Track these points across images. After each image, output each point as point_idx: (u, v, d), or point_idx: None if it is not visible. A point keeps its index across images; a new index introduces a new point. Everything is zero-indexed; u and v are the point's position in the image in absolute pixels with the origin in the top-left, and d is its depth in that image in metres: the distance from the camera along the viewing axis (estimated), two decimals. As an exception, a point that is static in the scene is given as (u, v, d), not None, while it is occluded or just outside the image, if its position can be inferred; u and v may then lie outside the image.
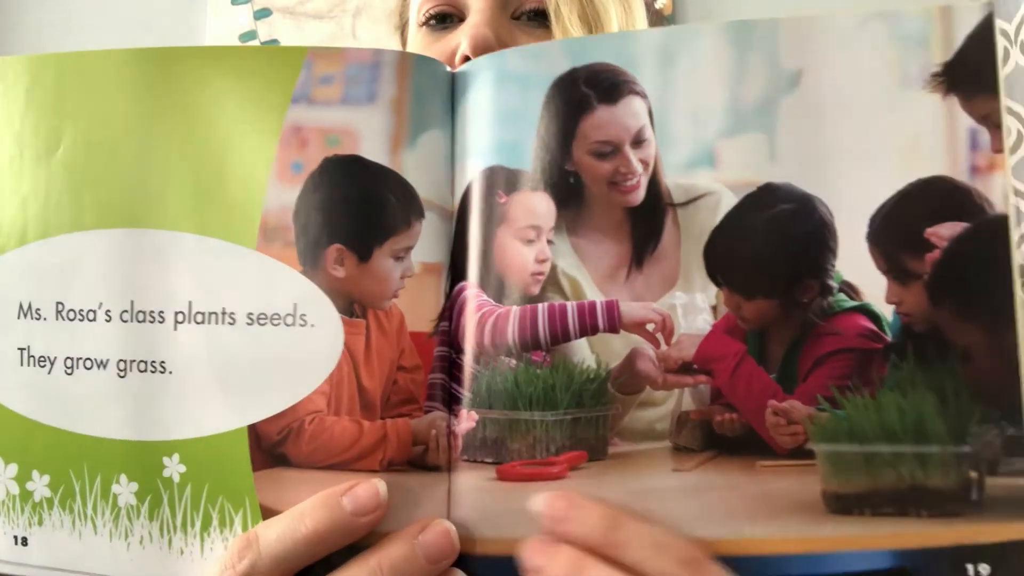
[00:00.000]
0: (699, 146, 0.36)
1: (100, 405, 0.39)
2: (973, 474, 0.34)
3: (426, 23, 0.64)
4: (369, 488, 0.35)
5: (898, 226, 0.34)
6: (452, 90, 0.39)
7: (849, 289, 0.35)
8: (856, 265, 0.35)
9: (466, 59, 0.58)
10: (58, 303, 0.39)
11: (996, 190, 0.34)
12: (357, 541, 0.36)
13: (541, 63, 0.37)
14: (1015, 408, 0.33)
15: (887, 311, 0.35)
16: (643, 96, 0.37)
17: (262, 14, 1.85)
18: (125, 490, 0.38)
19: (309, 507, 0.35)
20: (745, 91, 0.36)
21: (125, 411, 0.38)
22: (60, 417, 0.39)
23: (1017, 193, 1.52)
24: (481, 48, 0.57)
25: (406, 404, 0.37)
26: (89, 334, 0.39)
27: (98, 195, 0.39)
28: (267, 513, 0.37)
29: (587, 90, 0.37)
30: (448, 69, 0.39)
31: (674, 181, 0.37)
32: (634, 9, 0.68)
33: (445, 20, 0.63)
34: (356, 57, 0.38)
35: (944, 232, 0.34)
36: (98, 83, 0.39)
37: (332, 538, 0.35)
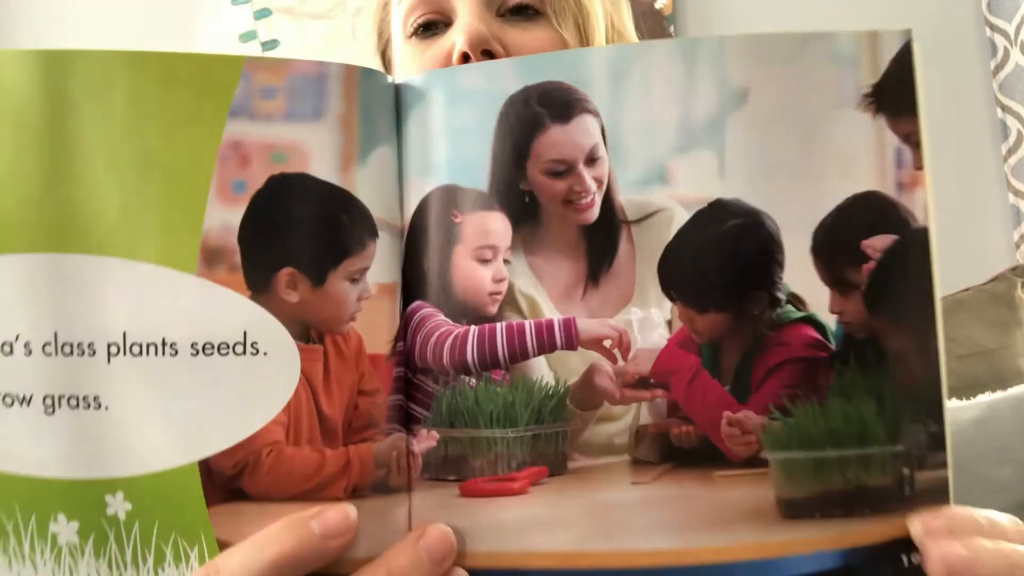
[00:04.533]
0: (651, 163, 0.36)
1: (26, 443, 0.35)
2: (906, 470, 0.36)
3: (415, 33, 0.62)
4: (339, 511, 0.34)
5: (837, 239, 0.35)
6: (396, 104, 0.37)
7: (796, 300, 0.36)
8: (802, 277, 0.36)
9: (464, 57, 0.57)
10: None
11: (918, 204, 0.36)
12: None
13: (492, 81, 0.36)
14: (937, 406, 0.35)
15: (831, 320, 0.36)
16: (595, 114, 0.36)
17: (262, 14, 1.76)
18: (65, 529, 0.35)
19: (275, 531, 0.33)
20: (695, 108, 0.36)
21: (56, 449, 0.35)
22: None
23: (1017, 193, 1.57)
24: (477, 43, 0.57)
25: (368, 428, 0.36)
26: (7, 369, 0.35)
27: (1, 216, 0.35)
28: (225, 547, 0.34)
29: (540, 109, 0.36)
30: (392, 82, 0.37)
31: (627, 198, 0.37)
32: (620, 4, 0.68)
33: (432, 28, 0.62)
34: (299, 69, 0.35)
35: (877, 244, 0.35)
36: None
37: (301, 562, 0.33)
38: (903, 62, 0.35)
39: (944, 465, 0.36)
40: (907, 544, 0.35)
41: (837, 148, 0.36)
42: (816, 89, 0.36)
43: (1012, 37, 1.55)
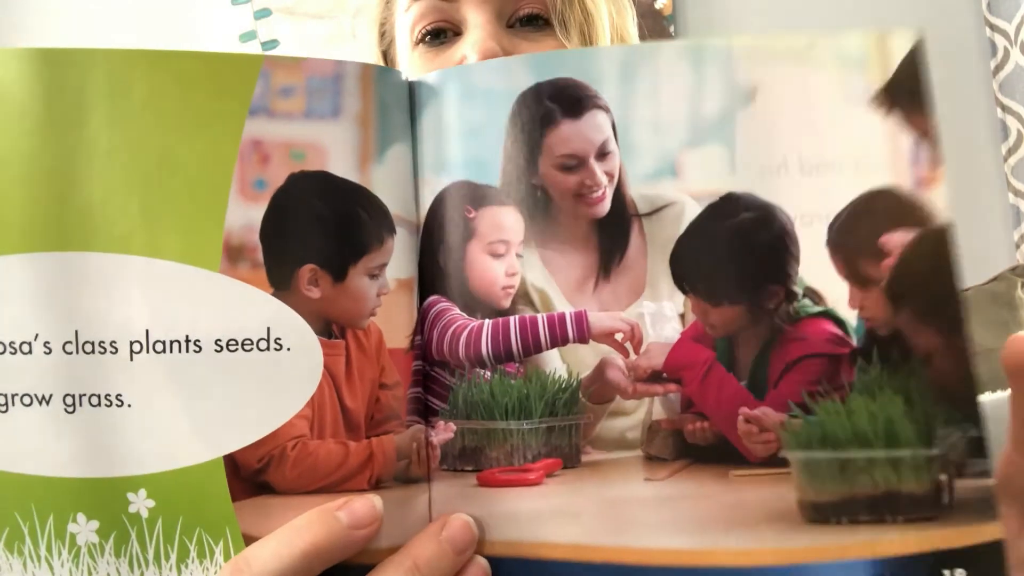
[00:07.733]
0: (662, 157, 0.36)
1: (44, 443, 0.35)
2: (943, 477, 0.33)
3: (422, 41, 0.62)
4: (365, 501, 0.34)
5: (854, 233, 0.35)
6: (411, 102, 0.38)
7: (813, 294, 0.36)
8: (819, 271, 0.35)
9: None
10: None
11: (938, 200, 0.35)
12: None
13: (505, 78, 0.36)
14: (973, 409, 0.33)
15: (851, 316, 0.35)
16: (606, 110, 0.36)
17: (262, 14, 1.77)
18: (84, 529, 0.35)
19: (304, 522, 0.34)
20: (704, 104, 0.36)
21: (76, 448, 0.35)
22: None
23: (1017, 193, 1.55)
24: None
25: (389, 421, 0.36)
26: (25, 368, 0.35)
27: (18, 214, 0.35)
28: (251, 541, 0.35)
29: (551, 104, 0.36)
30: (406, 79, 0.38)
31: (638, 192, 0.37)
32: (625, 10, 0.69)
33: (440, 36, 0.62)
34: (317, 68, 0.36)
35: (896, 239, 0.35)
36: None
37: (330, 553, 0.34)
38: (914, 62, 0.35)
39: (987, 474, 0.33)
40: (948, 556, 0.33)
41: (849, 144, 0.36)
42: (824, 88, 0.36)
43: (1012, 37, 1.55)
